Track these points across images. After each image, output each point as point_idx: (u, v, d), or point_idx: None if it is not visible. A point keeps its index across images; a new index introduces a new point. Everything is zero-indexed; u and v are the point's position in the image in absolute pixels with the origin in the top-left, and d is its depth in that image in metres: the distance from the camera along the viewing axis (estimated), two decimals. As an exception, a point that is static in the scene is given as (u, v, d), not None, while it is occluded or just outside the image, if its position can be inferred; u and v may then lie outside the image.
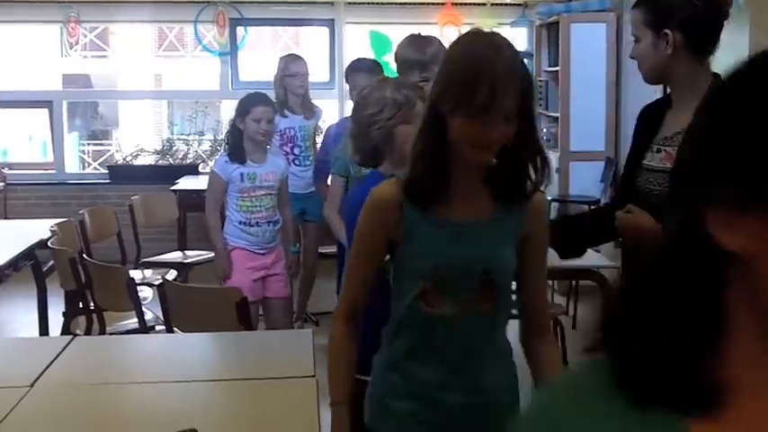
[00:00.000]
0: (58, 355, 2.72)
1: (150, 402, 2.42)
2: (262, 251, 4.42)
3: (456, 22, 7.78)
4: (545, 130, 7.15)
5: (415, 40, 3.48)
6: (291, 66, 5.61)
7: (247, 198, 4.38)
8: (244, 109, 4.31)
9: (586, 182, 6.47)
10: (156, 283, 4.03)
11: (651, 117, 2.50)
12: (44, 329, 4.75)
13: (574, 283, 5.74)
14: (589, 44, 6.56)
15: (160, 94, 11.67)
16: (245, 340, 3.01)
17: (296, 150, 5.63)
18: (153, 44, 13.54)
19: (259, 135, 4.30)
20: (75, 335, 3.63)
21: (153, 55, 13.51)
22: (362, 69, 4.54)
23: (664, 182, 2.33)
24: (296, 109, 5.62)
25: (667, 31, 2.32)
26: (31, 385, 2.46)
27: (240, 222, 4.39)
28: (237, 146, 4.34)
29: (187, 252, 6.35)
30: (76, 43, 7.96)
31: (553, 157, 6.73)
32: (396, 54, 3.50)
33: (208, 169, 8.25)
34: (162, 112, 13.41)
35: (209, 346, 3.00)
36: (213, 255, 6.17)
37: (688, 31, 2.31)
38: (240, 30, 8.08)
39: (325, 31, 8.07)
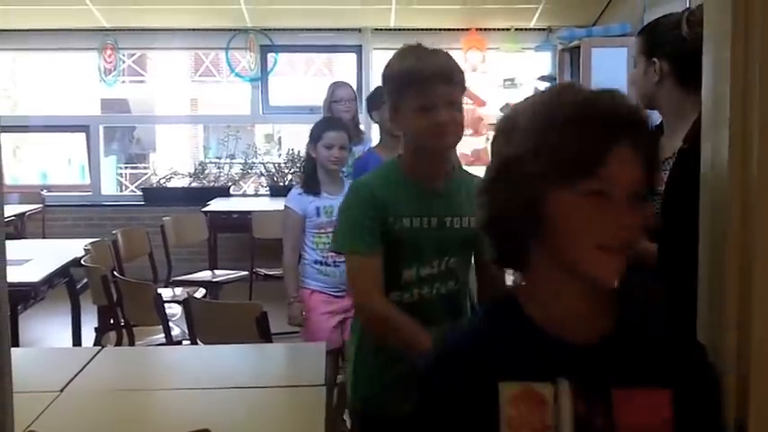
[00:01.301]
0: (87, 364, 2.88)
1: (172, 407, 2.57)
2: (340, 293, 3.99)
3: (480, 47, 7.93)
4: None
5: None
6: (337, 92, 5.74)
7: (324, 234, 3.99)
8: (315, 135, 4.07)
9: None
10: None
11: None
12: (77, 343, 4.94)
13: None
14: (610, 68, 6.66)
15: (193, 118, 11.96)
16: (263, 351, 3.16)
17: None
18: (189, 70, 13.86)
19: (330, 162, 4.03)
20: (104, 347, 3.81)
21: (189, 80, 13.82)
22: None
23: (655, 203, 2.44)
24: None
25: (655, 59, 2.45)
26: (61, 390, 2.63)
27: (316, 262, 4.04)
28: (311, 176, 4.07)
29: (216, 271, 6.54)
30: (114, 69, 8.24)
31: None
32: None
33: (240, 191, 8.52)
34: (198, 135, 13.69)
35: (228, 357, 3.14)
36: (241, 274, 6.37)
37: (675, 61, 2.42)
38: (271, 56, 8.30)
39: (352, 57, 8.27)
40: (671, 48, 2.43)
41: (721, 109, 1.31)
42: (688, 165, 2.33)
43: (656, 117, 2.67)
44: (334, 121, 4.32)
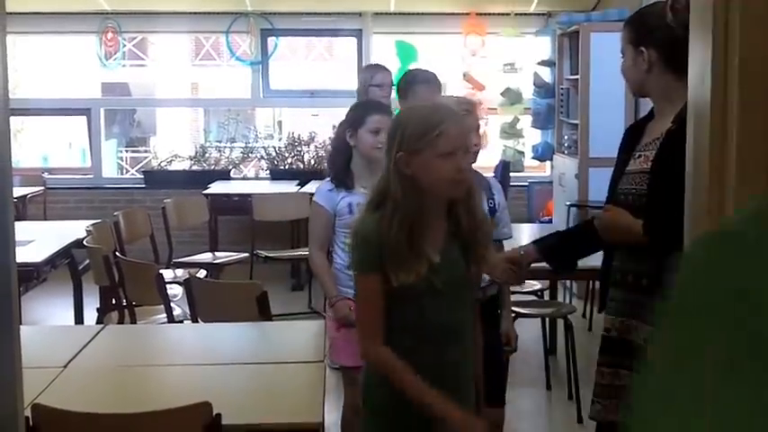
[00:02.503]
0: (91, 341, 2.95)
1: (174, 382, 2.64)
2: None
3: (480, 32, 7.96)
4: (566, 137, 7.31)
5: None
6: (377, 75, 5.08)
7: None
8: (357, 119, 3.50)
9: (605, 187, 6.59)
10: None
11: (635, 129, 2.70)
12: (79, 323, 4.99)
13: (591, 285, 5.88)
14: (608, 53, 6.64)
15: (195, 102, 11.98)
16: (263, 330, 3.23)
17: None
18: (190, 53, 13.88)
19: (376, 150, 3.30)
20: (107, 325, 3.87)
21: (190, 64, 13.84)
22: (421, 81, 4.09)
23: (641, 181, 2.51)
24: None
25: (643, 48, 2.52)
26: (65, 366, 2.69)
27: (349, 267, 3.29)
28: (344, 168, 3.48)
29: (217, 253, 6.60)
30: (115, 53, 8.28)
31: (572, 164, 6.89)
32: None
33: (240, 175, 8.58)
34: (198, 119, 13.72)
35: (228, 334, 3.21)
36: (241, 256, 6.43)
37: (662, 49, 2.50)
38: (271, 40, 8.34)
39: (353, 41, 8.31)
40: (658, 37, 2.50)
41: (704, 93, 1.37)
42: (675, 144, 2.40)
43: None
44: (376, 103, 3.80)
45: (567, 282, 6.18)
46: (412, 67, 5.20)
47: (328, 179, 3.55)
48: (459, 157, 2.21)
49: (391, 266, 2.17)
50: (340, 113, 8.35)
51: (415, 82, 4.09)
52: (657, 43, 2.50)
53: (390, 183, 2.23)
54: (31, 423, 2.09)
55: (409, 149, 2.20)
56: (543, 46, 7.96)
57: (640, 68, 2.54)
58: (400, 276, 2.17)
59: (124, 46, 8.44)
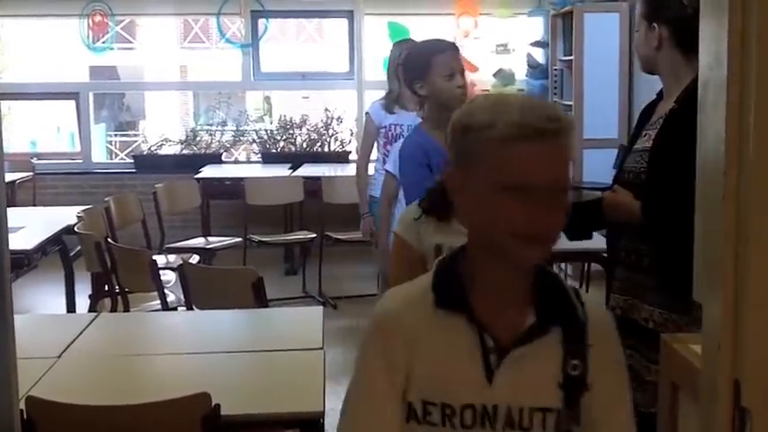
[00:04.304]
0: (84, 330, 2.90)
1: (170, 372, 2.60)
2: None
3: (473, 13, 7.90)
4: (560, 118, 7.26)
5: None
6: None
7: None
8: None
9: (599, 169, 6.56)
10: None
11: (646, 111, 2.70)
12: (71, 310, 4.95)
13: (586, 267, 5.86)
14: (602, 33, 6.65)
15: (184, 85, 11.89)
16: (260, 316, 3.18)
17: None
18: (178, 36, 13.76)
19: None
20: (101, 313, 3.82)
21: (179, 47, 13.72)
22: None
23: (641, 160, 2.52)
24: (408, 105, 4.66)
25: (655, 24, 2.52)
26: (59, 356, 2.65)
27: None
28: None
29: (210, 238, 6.55)
30: (104, 35, 8.18)
31: (567, 145, 6.84)
32: None
33: (231, 158, 8.51)
34: (188, 102, 13.62)
35: (225, 322, 3.17)
36: (234, 241, 6.39)
37: (674, 27, 2.49)
38: (262, 22, 8.25)
39: (344, 22, 8.23)
40: (670, 14, 2.50)
41: (719, 71, 1.32)
42: (676, 123, 2.40)
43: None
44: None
45: (563, 264, 6.15)
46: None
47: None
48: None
49: None
50: (331, 96, 8.33)
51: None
52: (669, 20, 2.50)
53: None
54: (25, 416, 2.04)
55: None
56: (536, 27, 7.88)
57: (651, 44, 2.54)
58: None
59: (115, 28, 8.33)
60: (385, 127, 4.83)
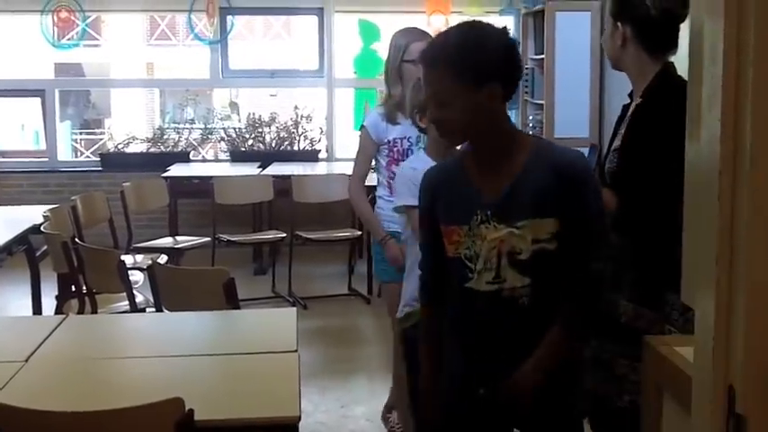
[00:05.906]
0: (52, 333, 2.82)
1: (139, 376, 2.52)
2: None
3: (444, 11, 7.87)
4: (531, 117, 7.26)
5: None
6: (413, 47, 3.61)
7: None
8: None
9: (570, 168, 6.59)
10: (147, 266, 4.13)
11: (623, 111, 2.72)
12: (38, 312, 4.84)
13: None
14: (574, 32, 6.66)
15: (151, 82, 11.78)
16: (232, 318, 3.12)
17: None
18: (145, 33, 13.62)
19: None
20: (68, 315, 3.74)
21: (145, 44, 13.59)
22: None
23: (613, 158, 2.56)
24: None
25: (619, 23, 2.58)
26: (26, 360, 2.57)
27: None
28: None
29: (178, 238, 6.46)
30: (70, 31, 8.04)
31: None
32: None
33: (199, 157, 8.41)
34: (154, 100, 13.49)
35: (196, 324, 3.10)
36: (203, 240, 6.32)
37: (637, 27, 2.55)
38: (229, 18, 8.16)
39: (314, 19, 8.16)
40: (634, 13, 2.54)
41: (715, 51, 1.29)
42: (641, 120, 2.47)
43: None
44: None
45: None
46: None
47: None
48: None
49: None
50: (299, 94, 8.25)
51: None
52: (633, 20, 2.54)
53: None
54: (-8, 423, 1.97)
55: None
56: (507, 25, 7.87)
57: (616, 42, 2.60)
58: None
59: (82, 25, 8.19)
60: (389, 142, 3.74)
